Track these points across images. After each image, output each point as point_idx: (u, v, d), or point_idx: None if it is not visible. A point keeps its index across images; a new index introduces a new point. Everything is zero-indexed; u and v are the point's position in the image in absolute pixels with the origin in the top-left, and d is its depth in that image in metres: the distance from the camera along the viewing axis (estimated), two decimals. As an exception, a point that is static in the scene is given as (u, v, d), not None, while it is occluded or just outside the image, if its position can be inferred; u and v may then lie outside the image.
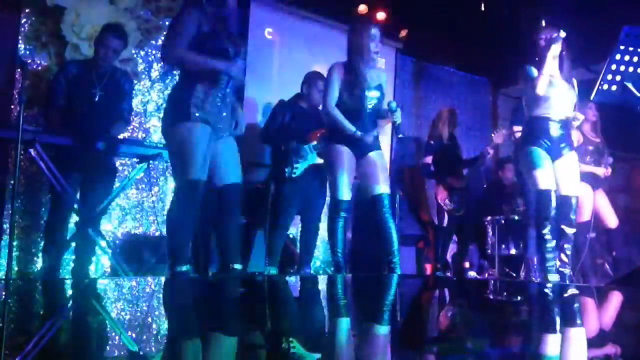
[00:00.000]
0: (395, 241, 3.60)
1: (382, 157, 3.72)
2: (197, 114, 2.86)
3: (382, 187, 3.64)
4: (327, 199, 4.03)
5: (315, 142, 4.26)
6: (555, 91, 3.62)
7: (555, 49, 3.57)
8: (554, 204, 3.52)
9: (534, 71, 3.64)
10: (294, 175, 4.19)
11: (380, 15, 5.98)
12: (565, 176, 3.65)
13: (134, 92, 4.10)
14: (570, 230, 3.58)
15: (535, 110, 3.67)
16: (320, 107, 3.91)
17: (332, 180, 3.65)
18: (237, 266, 3.06)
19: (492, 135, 5.19)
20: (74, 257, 3.65)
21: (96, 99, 3.62)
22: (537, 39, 3.67)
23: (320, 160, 4.32)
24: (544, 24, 3.77)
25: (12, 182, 3.67)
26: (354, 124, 3.54)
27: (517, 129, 4.59)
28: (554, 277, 3.46)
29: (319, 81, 4.30)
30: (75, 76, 3.63)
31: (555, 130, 3.63)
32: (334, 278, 3.69)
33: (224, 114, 3.01)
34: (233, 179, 3.07)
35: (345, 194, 3.60)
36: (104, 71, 3.69)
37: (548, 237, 3.49)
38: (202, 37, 2.91)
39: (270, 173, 4.42)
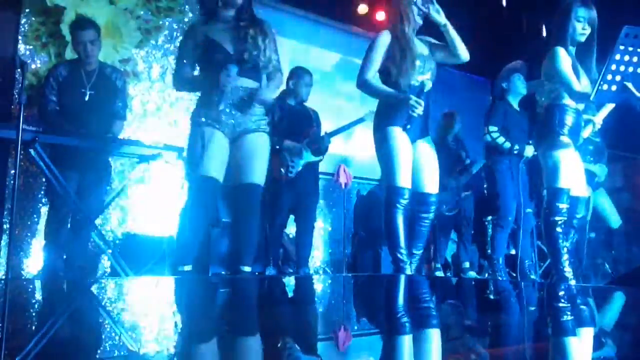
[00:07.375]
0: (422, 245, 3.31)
1: (432, 146, 3.30)
2: (202, 119, 2.92)
3: (429, 186, 3.21)
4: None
5: (308, 140, 4.26)
6: (584, 80, 3.19)
7: (587, 30, 3.13)
8: (566, 200, 3.22)
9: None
10: (290, 175, 4.16)
11: (380, 16, 5.98)
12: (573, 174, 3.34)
13: (132, 90, 4.08)
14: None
15: (560, 98, 3.20)
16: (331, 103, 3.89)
17: (386, 166, 3.17)
18: (247, 268, 2.90)
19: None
20: (65, 256, 3.59)
21: (86, 98, 3.58)
22: (573, 17, 3.13)
23: (315, 158, 4.31)
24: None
25: (12, 182, 3.67)
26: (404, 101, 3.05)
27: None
28: (569, 276, 3.31)
29: (306, 75, 4.28)
30: (65, 77, 3.60)
31: (572, 121, 3.24)
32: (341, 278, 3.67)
33: (236, 113, 2.92)
34: (250, 179, 2.91)
35: (404, 179, 3.09)
36: (92, 69, 3.64)
37: (562, 235, 3.24)
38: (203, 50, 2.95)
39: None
